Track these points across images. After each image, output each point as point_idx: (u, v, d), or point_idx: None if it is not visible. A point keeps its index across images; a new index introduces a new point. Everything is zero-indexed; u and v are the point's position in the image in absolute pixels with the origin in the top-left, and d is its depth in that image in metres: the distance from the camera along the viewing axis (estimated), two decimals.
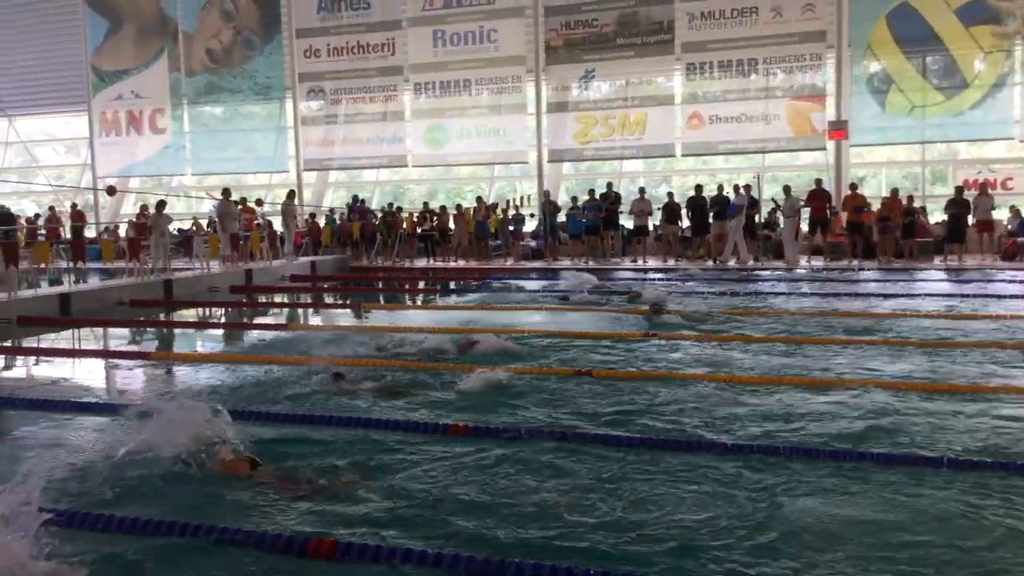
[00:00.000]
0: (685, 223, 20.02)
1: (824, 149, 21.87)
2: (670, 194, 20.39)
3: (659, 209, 20.05)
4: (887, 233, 18.40)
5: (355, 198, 23.73)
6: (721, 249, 19.01)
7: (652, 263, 19.31)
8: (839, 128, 21.30)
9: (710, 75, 22.48)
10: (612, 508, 4.26)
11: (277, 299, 16.33)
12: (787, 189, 18.91)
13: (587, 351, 8.60)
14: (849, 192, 18.99)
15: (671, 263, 19.12)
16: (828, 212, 19.01)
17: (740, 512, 4.17)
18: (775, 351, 8.39)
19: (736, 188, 19.12)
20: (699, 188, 19.73)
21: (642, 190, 20.54)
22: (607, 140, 23.50)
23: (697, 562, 3.65)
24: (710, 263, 18.82)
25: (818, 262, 18.56)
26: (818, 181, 19.11)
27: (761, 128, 22.16)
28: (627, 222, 20.64)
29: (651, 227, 20.49)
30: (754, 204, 19.13)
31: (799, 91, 22.02)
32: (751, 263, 18.36)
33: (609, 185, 20.75)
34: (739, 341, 8.95)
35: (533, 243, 21.87)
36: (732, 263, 18.49)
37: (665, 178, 24.62)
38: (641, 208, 19.89)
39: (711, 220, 19.26)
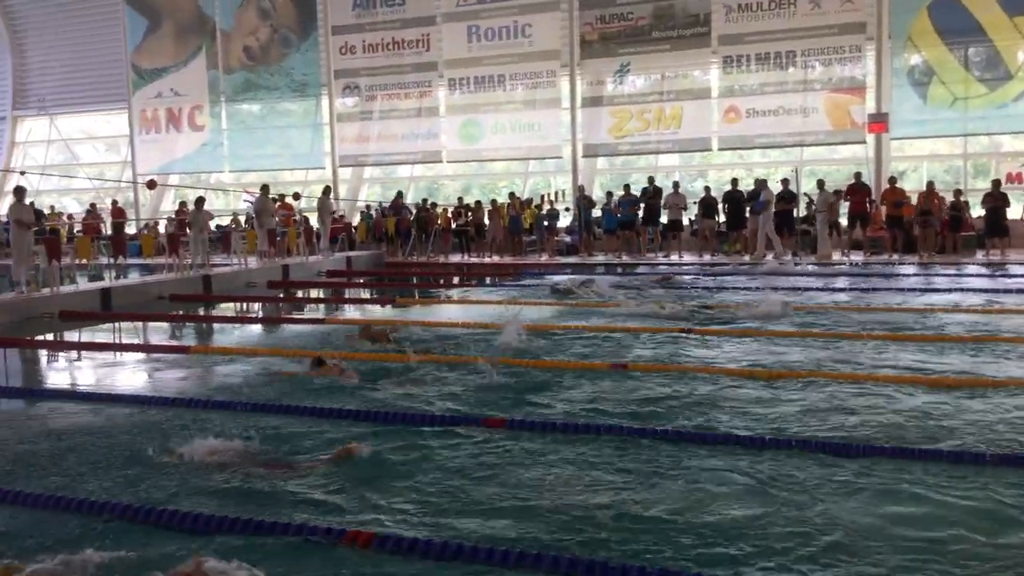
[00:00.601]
0: (722, 218, 19.84)
1: (864, 142, 21.55)
2: (707, 188, 20.23)
3: (695, 203, 19.89)
4: (928, 227, 18.09)
5: (399, 194, 23.63)
6: (756, 244, 18.83)
7: (688, 258, 19.18)
8: (879, 121, 20.96)
9: (747, 68, 22.23)
10: (645, 501, 4.23)
11: (313, 294, 16.48)
12: (820, 183, 18.69)
13: (622, 346, 8.59)
14: (888, 186, 18.72)
15: (707, 258, 18.99)
16: (868, 206, 18.75)
17: (777, 508, 4.12)
18: (816, 346, 8.31)
19: (764, 182, 18.95)
20: (735, 182, 19.57)
21: (676, 184, 20.40)
22: (642, 134, 23.35)
23: (734, 557, 3.61)
24: (746, 257, 18.64)
25: (858, 256, 18.30)
26: (857, 175, 18.85)
27: (799, 121, 21.89)
28: (661, 217, 20.49)
29: (687, 222, 20.35)
30: (792, 198, 18.91)
31: (838, 84, 21.71)
32: (787, 257, 18.15)
33: (650, 179, 20.62)
34: (775, 337, 8.87)
35: (568, 238, 21.81)
36: (769, 258, 18.29)
37: (701, 172, 24.43)
38: (675, 203, 19.75)
39: (747, 215, 19.07)
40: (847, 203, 18.68)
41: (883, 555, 3.60)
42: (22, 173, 14.83)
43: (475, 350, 8.24)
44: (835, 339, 8.58)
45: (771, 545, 3.70)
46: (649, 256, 19.84)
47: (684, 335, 8.99)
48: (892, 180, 18.80)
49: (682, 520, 4.00)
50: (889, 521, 3.94)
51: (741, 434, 5.31)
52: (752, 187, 19.14)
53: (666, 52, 22.86)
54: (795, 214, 19.22)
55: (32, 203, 23.13)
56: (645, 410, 6.00)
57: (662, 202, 19.95)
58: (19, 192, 13.33)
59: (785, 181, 18.96)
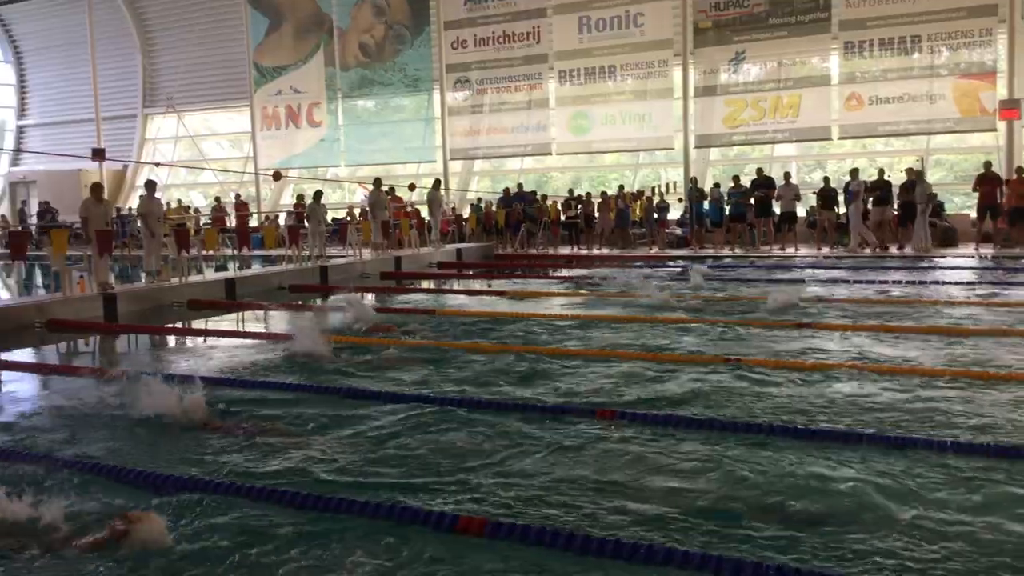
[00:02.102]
0: (842, 209, 19.17)
1: (994, 130, 20.46)
2: (826, 179, 19.56)
3: (814, 194, 19.25)
4: None
5: (520, 186, 23.68)
6: (881, 238, 18.17)
7: (804, 251, 18.62)
8: (1011, 107, 19.82)
9: (870, 54, 21.38)
10: (759, 497, 4.15)
11: (425, 285, 16.75)
12: (919, 175, 17.84)
13: (732, 340, 8.44)
14: (1015, 176, 17.71)
15: (825, 251, 18.41)
16: (999, 197, 17.80)
17: (901, 507, 3.98)
18: (932, 343, 7.98)
19: (853, 173, 18.25)
20: (855, 172, 18.88)
21: (787, 175, 19.79)
22: (758, 124, 22.76)
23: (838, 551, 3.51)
24: (867, 251, 17.99)
25: (987, 249, 17.41)
26: (987, 164, 17.91)
27: (925, 109, 20.91)
28: (774, 208, 19.94)
29: (802, 213, 19.73)
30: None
31: (967, 69, 20.63)
32: (866, 250, 17.53)
33: (759, 171, 20.09)
34: (883, 332, 8.55)
35: (678, 231, 21.50)
36: (866, 250, 17.76)
37: (820, 162, 23.66)
38: (787, 194, 19.17)
39: (869, 207, 18.39)
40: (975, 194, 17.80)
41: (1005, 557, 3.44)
42: (157, 165, 15.57)
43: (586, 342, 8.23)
44: (959, 335, 8.22)
45: (898, 544, 3.58)
46: (764, 249, 19.36)
47: (797, 330, 8.78)
48: (1019, 170, 17.78)
49: (805, 517, 3.91)
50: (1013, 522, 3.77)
51: (859, 431, 5.15)
52: (874, 178, 18.46)
53: (784, 39, 22.19)
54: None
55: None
56: (756, 405, 5.89)
57: (774, 193, 19.41)
58: (150, 186, 14.03)
59: (909, 171, 18.18)
